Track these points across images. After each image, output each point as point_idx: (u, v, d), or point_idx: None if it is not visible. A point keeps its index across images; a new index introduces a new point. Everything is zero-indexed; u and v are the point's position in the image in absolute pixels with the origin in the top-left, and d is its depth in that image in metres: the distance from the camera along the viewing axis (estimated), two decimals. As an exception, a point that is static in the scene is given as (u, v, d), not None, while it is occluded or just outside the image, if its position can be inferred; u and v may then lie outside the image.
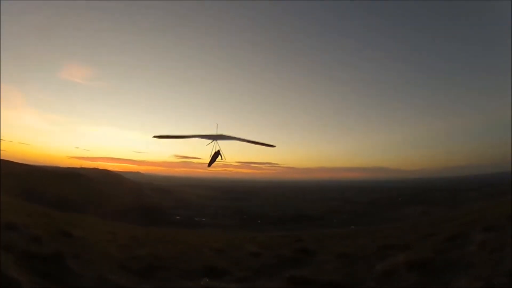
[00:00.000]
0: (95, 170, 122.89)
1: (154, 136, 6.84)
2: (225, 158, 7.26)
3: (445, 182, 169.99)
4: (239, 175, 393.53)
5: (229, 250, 15.93)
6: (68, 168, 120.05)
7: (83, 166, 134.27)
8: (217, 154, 7.23)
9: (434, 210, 56.70)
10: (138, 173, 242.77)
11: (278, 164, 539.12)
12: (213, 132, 6.81)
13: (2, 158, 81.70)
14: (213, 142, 7.04)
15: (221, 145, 7.28)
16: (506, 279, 6.28)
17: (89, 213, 48.92)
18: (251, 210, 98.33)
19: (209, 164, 7.40)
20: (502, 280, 6.30)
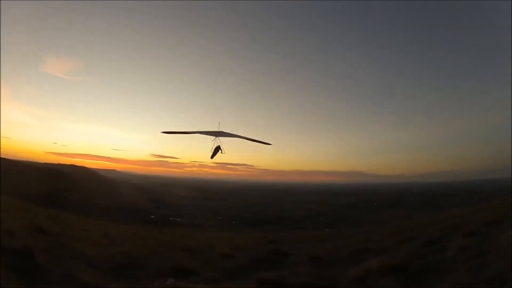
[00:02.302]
0: (73, 167, 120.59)
1: (163, 132, 7.57)
2: (225, 152, 8.04)
3: (424, 187, 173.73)
4: (215, 175, 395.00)
5: (201, 251, 15.87)
6: (46, 163, 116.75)
7: (60, 162, 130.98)
8: (217, 148, 7.98)
9: (413, 215, 57.46)
10: (113, 170, 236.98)
11: (254, 166, 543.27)
12: (215, 129, 7.59)
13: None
14: (216, 138, 7.74)
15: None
16: (487, 286, 5.94)
17: (65, 209, 47.65)
18: (226, 211, 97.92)
19: (212, 157, 8.15)
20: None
